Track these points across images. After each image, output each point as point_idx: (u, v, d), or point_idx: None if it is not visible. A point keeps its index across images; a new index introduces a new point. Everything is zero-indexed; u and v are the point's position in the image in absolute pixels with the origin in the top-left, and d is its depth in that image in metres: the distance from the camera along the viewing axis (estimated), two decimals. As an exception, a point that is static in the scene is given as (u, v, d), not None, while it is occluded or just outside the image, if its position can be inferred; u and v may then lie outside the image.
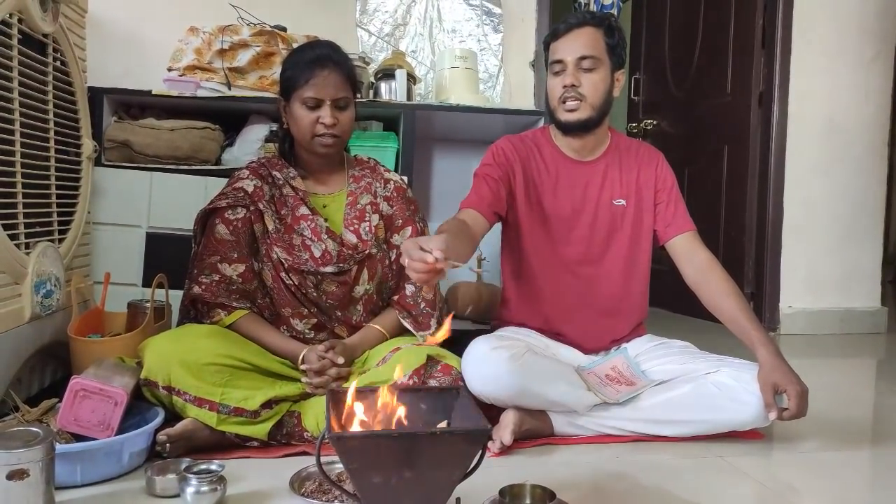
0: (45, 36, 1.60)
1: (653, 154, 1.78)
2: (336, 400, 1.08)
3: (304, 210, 1.65)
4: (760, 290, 3.09)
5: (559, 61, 1.63)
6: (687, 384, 1.54)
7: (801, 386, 1.43)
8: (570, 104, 1.63)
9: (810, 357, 2.72)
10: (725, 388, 1.50)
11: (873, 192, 3.11)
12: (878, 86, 3.07)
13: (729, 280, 1.64)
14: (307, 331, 1.64)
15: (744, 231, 3.13)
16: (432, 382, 1.48)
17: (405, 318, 1.68)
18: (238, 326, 1.58)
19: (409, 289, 1.70)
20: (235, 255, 1.59)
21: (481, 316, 2.43)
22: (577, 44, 1.61)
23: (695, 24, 3.41)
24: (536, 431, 1.53)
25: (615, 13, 3.20)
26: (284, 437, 1.47)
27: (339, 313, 1.65)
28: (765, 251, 3.07)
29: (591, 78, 1.62)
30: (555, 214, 1.70)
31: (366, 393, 1.08)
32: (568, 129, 1.67)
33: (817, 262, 3.07)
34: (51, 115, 1.64)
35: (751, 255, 3.12)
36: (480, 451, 1.01)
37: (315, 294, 1.62)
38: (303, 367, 1.54)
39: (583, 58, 1.61)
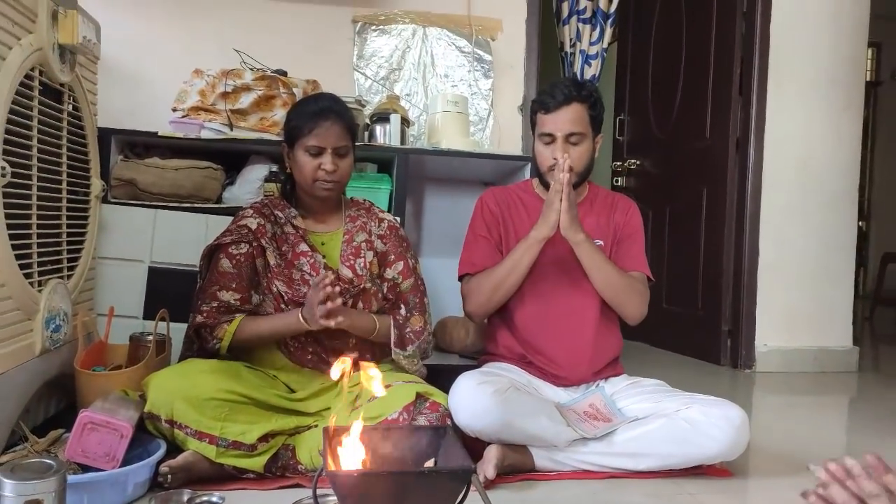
0: (62, 85, 1.69)
1: (627, 202, 1.94)
2: (332, 437, 1.16)
3: (304, 247, 1.75)
4: (737, 328, 3.19)
5: (549, 134, 1.77)
6: (659, 419, 1.63)
7: (563, 217, 1.68)
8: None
9: (785, 394, 2.81)
10: (695, 423, 1.60)
11: (846, 234, 3.24)
12: (849, 133, 3.21)
13: (632, 277, 1.82)
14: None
15: (721, 270, 3.24)
16: (421, 419, 1.56)
17: (395, 326, 1.77)
18: (241, 330, 1.67)
19: (403, 311, 1.80)
20: (234, 285, 1.69)
21: (468, 350, 2.52)
22: (565, 121, 1.75)
23: (676, 70, 3.56)
24: (518, 466, 1.61)
25: (600, 62, 3.36)
26: (279, 470, 1.54)
27: (336, 342, 1.73)
28: (741, 290, 3.17)
29: (577, 150, 1.77)
30: (538, 257, 1.78)
31: (359, 430, 1.17)
32: None
33: (792, 301, 3.18)
34: (64, 158, 1.72)
35: (728, 293, 3.23)
36: (465, 488, 1.10)
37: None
38: (306, 314, 1.61)
39: (571, 134, 1.76)
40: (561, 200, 1.67)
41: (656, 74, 3.76)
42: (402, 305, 1.81)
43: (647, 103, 3.81)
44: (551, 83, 1.82)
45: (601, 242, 1.84)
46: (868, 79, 5.91)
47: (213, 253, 1.74)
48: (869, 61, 6.50)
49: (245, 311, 1.70)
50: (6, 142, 1.41)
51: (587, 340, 1.81)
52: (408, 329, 1.78)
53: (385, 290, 1.80)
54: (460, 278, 1.88)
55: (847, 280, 3.26)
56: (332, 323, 1.58)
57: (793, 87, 3.15)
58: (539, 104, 1.80)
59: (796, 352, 3.18)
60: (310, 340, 1.73)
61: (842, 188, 3.22)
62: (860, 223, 6.09)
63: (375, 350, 1.79)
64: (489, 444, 1.59)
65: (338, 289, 1.61)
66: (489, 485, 1.52)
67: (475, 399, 1.55)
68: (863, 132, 3.28)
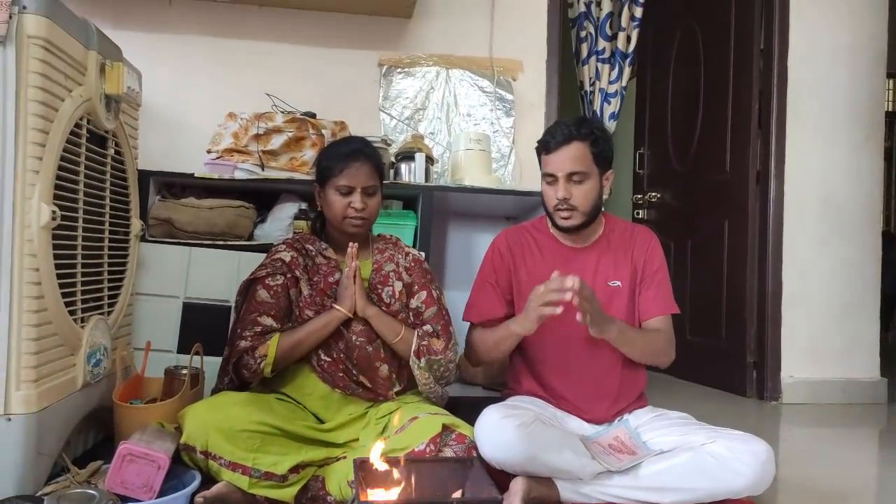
0: (107, 132, 1.79)
1: (646, 236, 1.92)
2: (363, 469, 1.21)
3: (337, 276, 1.82)
4: (762, 360, 3.18)
5: (551, 174, 1.78)
6: (684, 453, 1.63)
7: (598, 311, 1.63)
8: (564, 213, 1.78)
9: (812, 426, 2.79)
10: (720, 457, 1.60)
11: (869, 266, 3.23)
12: (869, 165, 3.22)
13: (658, 333, 1.82)
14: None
15: (745, 302, 3.24)
16: (447, 451, 1.58)
17: (416, 335, 1.81)
18: (281, 343, 1.73)
19: (428, 328, 1.84)
20: (273, 313, 1.77)
21: (492, 382, 2.54)
22: (566, 160, 1.75)
23: (695, 104, 3.60)
24: (543, 498, 1.62)
25: (619, 100, 3.42)
26: (309, 501, 1.58)
27: (369, 348, 1.78)
28: (765, 322, 3.17)
29: (581, 189, 1.77)
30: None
31: (389, 462, 1.21)
32: (563, 230, 1.84)
33: (817, 333, 3.17)
34: (107, 201, 1.82)
35: (752, 325, 3.22)
36: (492, 519, 1.13)
37: (343, 346, 1.77)
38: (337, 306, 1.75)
39: (572, 173, 1.75)
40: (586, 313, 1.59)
41: (675, 109, 3.81)
42: (429, 325, 1.85)
43: (666, 137, 3.86)
44: (555, 122, 1.82)
45: (619, 283, 1.84)
46: (889, 109, 5.91)
47: (249, 287, 1.81)
48: (889, 91, 6.50)
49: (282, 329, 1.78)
50: (56, 186, 1.50)
51: (611, 388, 1.82)
52: (425, 342, 1.80)
53: (412, 319, 1.86)
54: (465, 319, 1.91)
55: (873, 311, 3.24)
56: (363, 307, 1.73)
57: (812, 121, 3.18)
58: (541, 144, 1.81)
59: (823, 383, 3.15)
60: (341, 357, 1.77)
61: (863, 220, 3.22)
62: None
63: (402, 373, 1.84)
64: (514, 475, 1.61)
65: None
66: (515, 517, 1.54)
67: (500, 433, 1.57)
68: (886, 162, 3.29)
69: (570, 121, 1.78)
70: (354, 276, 1.75)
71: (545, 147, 1.79)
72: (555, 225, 1.84)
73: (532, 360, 1.87)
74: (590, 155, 1.76)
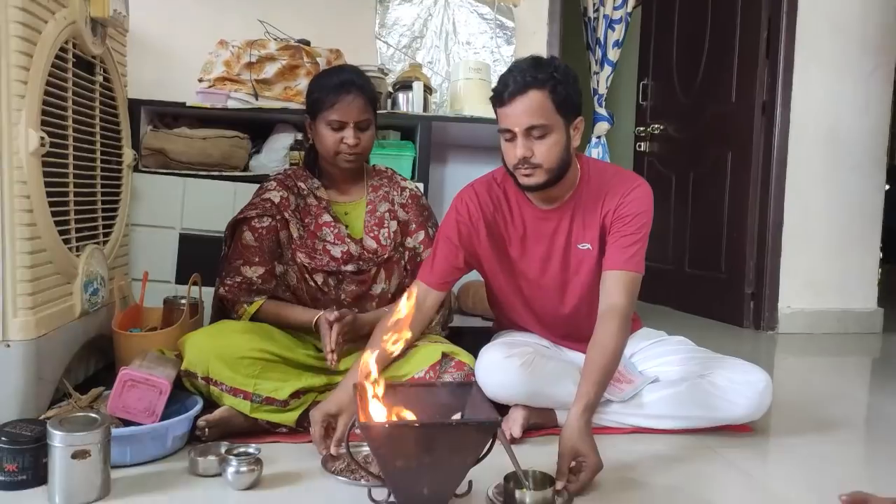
0: (94, 57, 1.74)
1: (624, 186, 1.64)
2: (364, 392, 1.21)
3: (327, 217, 1.79)
4: (760, 291, 3.20)
5: (508, 130, 1.52)
6: (683, 383, 1.66)
7: (598, 459, 1.31)
8: (525, 171, 1.55)
9: (808, 355, 2.83)
10: (720, 388, 1.63)
11: (872, 198, 3.21)
12: (878, 97, 3.16)
13: (614, 336, 1.48)
14: None
15: (745, 233, 3.24)
16: (446, 377, 1.61)
17: None
18: (260, 313, 1.73)
19: None
20: (257, 259, 1.74)
21: (490, 313, 2.55)
22: (522, 113, 1.48)
23: (701, 34, 3.51)
24: (542, 424, 1.66)
25: (624, 26, 3.32)
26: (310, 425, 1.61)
27: (356, 309, 1.78)
28: (765, 253, 3.17)
29: (543, 145, 1.51)
30: (523, 263, 1.72)
31: (390, 386, 1.21)
32: (527, 189, 1.63)
33: (816, 264, 3.18)
34: (97, 129, 1.78)
35: (752, 256, 3.23)
36: (491, 440, 1.14)
37: (335, 293, 1.76)
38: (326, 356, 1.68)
39: (531, 128, 1.49)
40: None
41: (681, 38, 3.71)
42: None
43: (671, 67, 3.77)
44: (510, 66, 1.55)
45: (588, 246, 1.66)
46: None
47: (236, 227, 1.78)
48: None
49: (265, 290, 1.75)
50: (44, 113, 1.46)
51: (588, 329, 1.61)
52: None
53: (406, 258, 1.85)
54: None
55: (872, 243, 3.24)
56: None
57: (821, 49, 3.10)
58: (495, 95, 1.54)
59: (820, 313, 3.18)
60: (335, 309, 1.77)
61: (869, 152, 3.18)
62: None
63: None
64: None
65: (347, 317, 1.66)
66: (514, 442, 1.57)
67: (504, 374, 1.59)
68: (894, 94, 3.22)
69: (525, 64, 1.52)
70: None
71: (499, 99, 1.52)
72: (517, 183, 1.62)
73: (506, 311, 1.84)
74: (550, 104, 1.49)
